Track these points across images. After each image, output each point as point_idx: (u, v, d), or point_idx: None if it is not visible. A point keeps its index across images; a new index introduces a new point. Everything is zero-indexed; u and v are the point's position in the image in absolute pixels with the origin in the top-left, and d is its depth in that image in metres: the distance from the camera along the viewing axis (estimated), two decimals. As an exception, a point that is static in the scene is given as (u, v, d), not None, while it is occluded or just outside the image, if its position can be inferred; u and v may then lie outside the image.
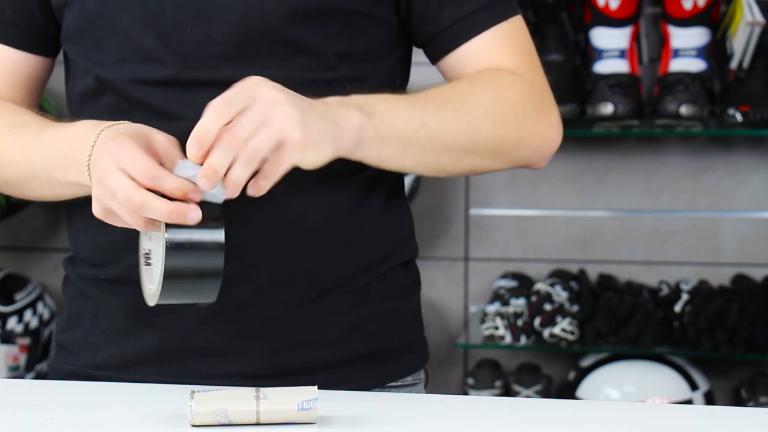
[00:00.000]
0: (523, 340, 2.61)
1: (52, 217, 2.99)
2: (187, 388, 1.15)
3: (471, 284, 2.89)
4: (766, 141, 2.73)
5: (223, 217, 1.14)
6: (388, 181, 1.34)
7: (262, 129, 1.11)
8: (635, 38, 2.64)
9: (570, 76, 2.62)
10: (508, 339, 2.60)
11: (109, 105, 1.29)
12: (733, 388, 2.74)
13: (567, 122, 2.56)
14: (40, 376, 2.74)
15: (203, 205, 1.12)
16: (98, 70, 1.30)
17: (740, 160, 2.75)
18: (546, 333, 2.60)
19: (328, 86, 1.27)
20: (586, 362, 2.68)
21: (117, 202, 1.14)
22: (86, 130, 1.20)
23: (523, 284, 2.75)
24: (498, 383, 2.74)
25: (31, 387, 1.34)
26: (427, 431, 1.12)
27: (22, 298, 2.77)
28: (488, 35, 1.32)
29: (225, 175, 1.12)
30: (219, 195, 1.13)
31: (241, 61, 1.25)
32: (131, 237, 1.24)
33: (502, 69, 1.32)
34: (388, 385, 1.36)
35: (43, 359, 2.77)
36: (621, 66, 2.60)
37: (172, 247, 1.12)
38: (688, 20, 2.57)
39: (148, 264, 1.20)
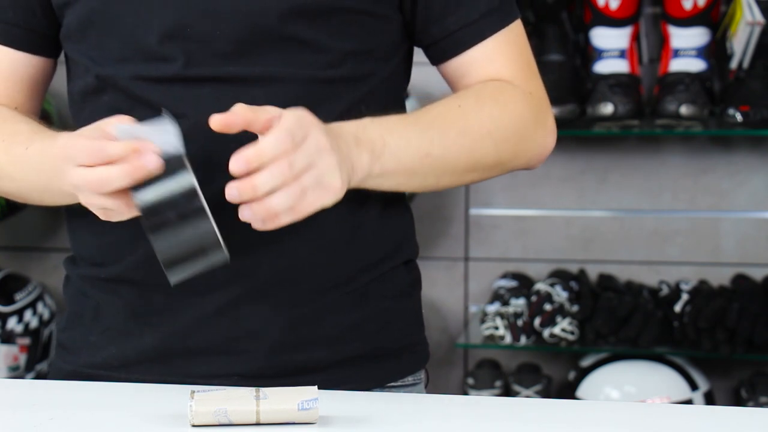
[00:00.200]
0: (523, 340, 2.61)
1: (52, 217, 2.99)
2: (187, 388, 1.15)
3: (471, 284, 2.89)
4: (766, 141, 2.73)
5: (188, 164, 1.12)
6: (389, 182, 1.35)
7: (312, 170, 1.13)
8: (635, 38, 2.64)
9: (570, 76, 2.62)
10: (508, 339, 2.60)
11: (110, 103, 1.29)
12: (733, 388, 2.74)
13: (567, 122, 2.58)
14: (40, 376, 2.74)
15: (165, 160, 1.11)
16: (99, 68, 1.29)
17: (740, 160, 2.75)
18: (546, 333, 2.60)
19: (332, 85, 1.27)
20: (586, 362, 2.68)
21: (86, 195, 1.14)
22: (65, 142, 1.20)
23: (523, 284, 2.75)
24: (498, 383, 2.74)
25: (31, 387, 1.34)
26: (427, 431, 1.12)
27: (22, 298, 2.77)
28: (491, 42, 1.34)
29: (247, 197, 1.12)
30: (176, 143, 1.12)
31: (245, 58, 1.26)
32: (131, 236, 1.24)
33: (504, 81, 1.34)
34: (389, 385, 1.36)
35: (43, 359, 2.77)
36: (621, 66, 2.60)
37: (147, 209, 1.11)
38: (688, 20, 2.57)
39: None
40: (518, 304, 2.64)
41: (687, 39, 2.58)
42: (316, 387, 1.09)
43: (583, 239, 2.83)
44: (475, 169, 1.32)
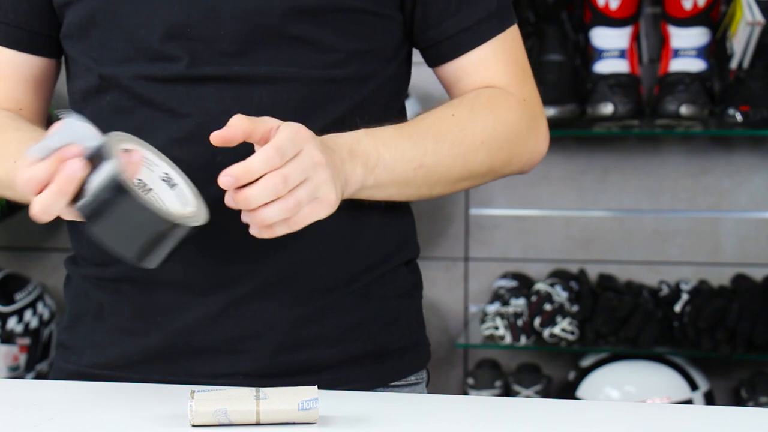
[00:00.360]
0: (523, 340, 2.61)
1: (52, 217, 2.99)
2: (187, 388, 1.15)
3: (471, 284, 2.89)
4: (766, 141, 2.73)
5: (111, 150, 1.09)
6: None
7: (306, 184, 1.14)
8: (635, 38, 2.64)
9: (570, 76, 2.62)
10: (508, 339, 2.60)
11: (113, 103, 1.29)
12: (733, 388, 2.74)
13: (567, 122, 2.58)
14: (40, 376, 2.74)
15: (88, 157, 1.09)
16: (102, 67, 1.29)
17: (740, 160, 2.75)
18: (546, 333, 2.60)
19: (336, 84, 1.28)
20: (586, 362, 2.68)
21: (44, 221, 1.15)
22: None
23: (523, 284, 2.75)
24: (498, 383, 2.74)
25: (31, 387, 1.34)
26: (426, 431, 1.12)
27: (22, 298, 2.77)
28: (488, 47, 1.35)
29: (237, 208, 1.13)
30: (90, 135, 1.10)
31: (249, 57, 1.26)
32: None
33: (498, 87, 1.35)
34: (391, 384, 1.36)
35: (43, 359, 2.77)
36: (621, 66, 2.60)
37: (86, 214, 1.09)
38: (688, 20, 2.57)
39: (173, 186, 1.19)
40: (518, 304, 2.64)
41: (687, 39, 2.58)
42: (315, 387, 1.09)
43: (583, 239, 2.83)
44: (468, 177, 1.33)
